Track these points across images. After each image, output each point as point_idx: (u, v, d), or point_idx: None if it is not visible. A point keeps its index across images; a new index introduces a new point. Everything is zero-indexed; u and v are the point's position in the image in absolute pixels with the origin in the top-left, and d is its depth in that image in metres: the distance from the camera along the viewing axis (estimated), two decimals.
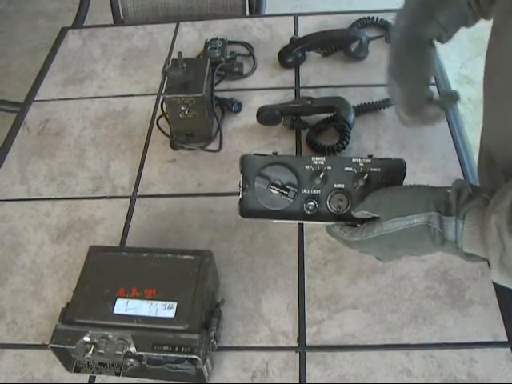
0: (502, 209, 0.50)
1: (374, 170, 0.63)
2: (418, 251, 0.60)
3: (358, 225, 0.62)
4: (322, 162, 0.63)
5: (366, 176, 0.62)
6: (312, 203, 0.63)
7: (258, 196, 0.64)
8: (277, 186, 0.63)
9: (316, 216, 0.64)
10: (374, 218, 0.60)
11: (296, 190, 0.63)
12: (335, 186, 0.63)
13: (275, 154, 0.65)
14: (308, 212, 0.64)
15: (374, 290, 0.75)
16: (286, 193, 0.63)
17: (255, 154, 0.64)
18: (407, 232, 0.56)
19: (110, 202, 0.91)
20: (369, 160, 0.62)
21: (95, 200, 0.91)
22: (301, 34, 1.15)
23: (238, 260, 0.80)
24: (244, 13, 1.54)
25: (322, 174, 0.62)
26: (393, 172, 0.63)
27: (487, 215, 0.51)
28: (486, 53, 0.66)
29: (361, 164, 0.63)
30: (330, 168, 0.63)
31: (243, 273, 0.79)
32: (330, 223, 0.64)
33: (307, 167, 0.64)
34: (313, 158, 0.63)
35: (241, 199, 0.65)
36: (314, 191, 0.64)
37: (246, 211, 0.65)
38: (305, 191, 0.64)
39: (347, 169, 0.63)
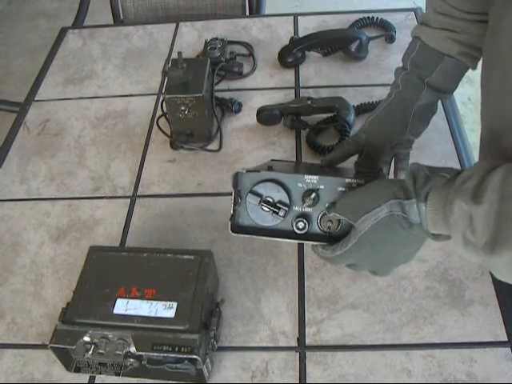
0: (467, 189, 0.49)
1: None
2: (398, 247, 0.60)
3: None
4: (315, 181, 0.63)
5: None
6: (302, 223, 0.63)
7: (249, 212, 0.64)
8: (268, 203, 0.63)
9: (306, 235, 0.64)
10: (349, 232, 0.60)
11: (287, 209, 0.63)
12: (327, 205, 0.63)
13: (270, 167, 0.64)
14: (298, 231, 0.64)
15: (373, 289, 0.75)
16: (277, 211, 0.63)
17: (248, 171, 0.63)
18: (378, 227, 0.57)
19: (110, 202, 0.91)
20: (362, 181, 0.62)
21: (95, 200, 0.91)
22: (301, 34, 1.15)
23: (238, 260, 0.80)
24: (244, 13, 1.54)
25: (314, 194, 0.62)
26: None
27: (450, 195, 0.51)
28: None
29: (354, 185, 0.62)
30: (322, 187, 0.63)
31: (243, 273, 0.79)
32: (319, 243, 0.64)
33: (300, 185, 0.63)
34: (306, 177, 0.63)
35: (232, 214, 0.64)
36: (306, 209, 0.64)
37: (237, 227, 0.65)
38: (296, 209, 0.64)
39: (340, 189, 0.62)
